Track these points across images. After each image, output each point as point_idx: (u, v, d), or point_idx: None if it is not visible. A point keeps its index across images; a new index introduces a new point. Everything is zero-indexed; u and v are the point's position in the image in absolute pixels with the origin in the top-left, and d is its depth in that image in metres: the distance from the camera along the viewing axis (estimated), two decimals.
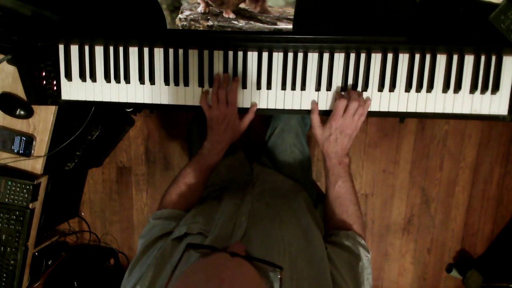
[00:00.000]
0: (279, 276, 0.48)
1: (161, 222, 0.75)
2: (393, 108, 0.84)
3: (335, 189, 0.78)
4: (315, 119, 0.82)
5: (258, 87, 0.85)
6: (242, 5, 0.74)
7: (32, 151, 1.05)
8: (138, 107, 1.01)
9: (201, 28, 0.77)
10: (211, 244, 0.58)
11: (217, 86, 0.82)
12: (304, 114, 0.87)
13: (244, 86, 0.85)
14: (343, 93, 0.83)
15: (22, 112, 1.01)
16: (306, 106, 0.85)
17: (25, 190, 1.08)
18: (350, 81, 0.83)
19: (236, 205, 0.72)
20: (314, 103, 0.84)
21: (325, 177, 0.82)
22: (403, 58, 0.81)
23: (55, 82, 0.88)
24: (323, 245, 0.66)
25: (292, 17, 0.74)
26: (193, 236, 0.63)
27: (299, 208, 0.76)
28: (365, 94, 0.83)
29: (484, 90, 0.81)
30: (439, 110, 0.83)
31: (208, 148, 0.84)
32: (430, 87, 0.82)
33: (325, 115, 0.84)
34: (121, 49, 0.85)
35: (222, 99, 0.81)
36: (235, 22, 0.76)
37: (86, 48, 0.86)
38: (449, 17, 0.76)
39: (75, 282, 1.63)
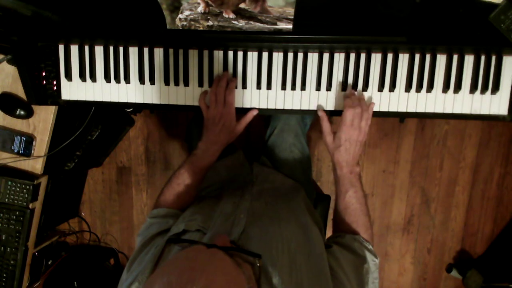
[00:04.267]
0: (258, 264, 0.49)
1: (158, 220, 0.77)
2: (393, 108, 0.84)
3: (346, 198, 0.77)
4: (326, 126, 0.81)
5: (258, 87, 0.85)
6: (242, 5, 0.74)
7: (32, 151, 1.05)
8: (138, 107, 1.01)
9: (201, 28, 0.77)
10: (209, 241, 0.58)
11: (216, 85, 0.82)
12: (304, 114, 0.87)
13: (244, 86, 0.85)
14: (347, 94, 0.81)
15: (22, 112, 1.01)
16: (306, 106, 0.85)
17: (25, 190, 1.08)
18: (350, 81, 0.83)
19: (235, 203, 0.72)
20: (322, 111, 0.83)
21: (335, 186, 0.81)
22: (403, 58, 0.81)
23: (55, 82, 0.88)
24: (322, 242, 0.66)
25: (292, 17, 0.74)
26: (191, 233, 0.64)
27: (298, 207, 0.76)
28: (365, 94, 0.83)
29: (484, 90, 0.81)
30: (439, 110, 0.83)
31: (202, 149, 0.84)
32: (430, 87, 0.82)
33: (330, 116, 0.84)
34: (121, 49, 0.85)
35: (220, 99, 0.81)
36: (235, 22, 0.76)
37: (86, 48, 0.86)
38: (449, 17, 0.76)
39: (75, 282, 1.63)
